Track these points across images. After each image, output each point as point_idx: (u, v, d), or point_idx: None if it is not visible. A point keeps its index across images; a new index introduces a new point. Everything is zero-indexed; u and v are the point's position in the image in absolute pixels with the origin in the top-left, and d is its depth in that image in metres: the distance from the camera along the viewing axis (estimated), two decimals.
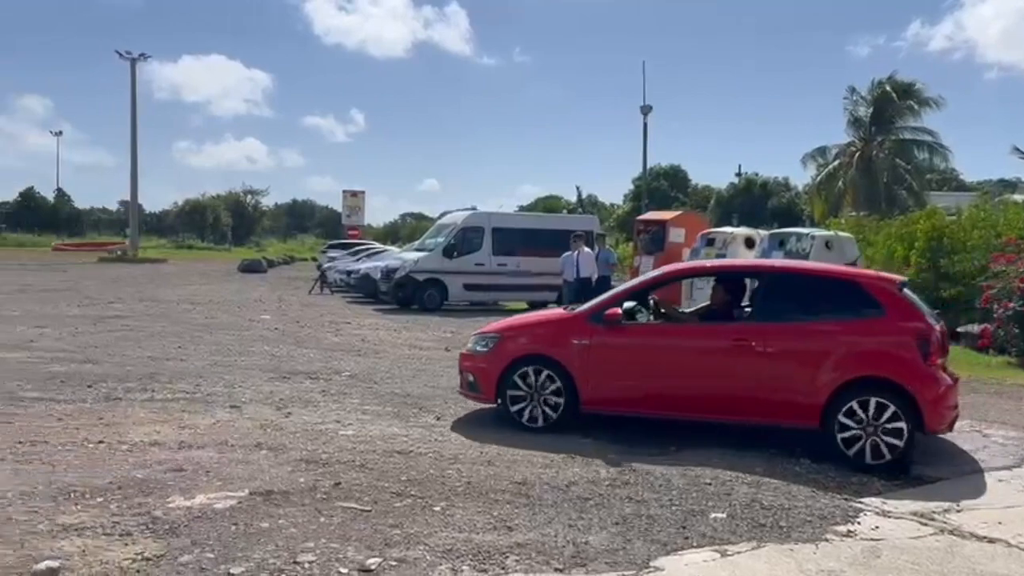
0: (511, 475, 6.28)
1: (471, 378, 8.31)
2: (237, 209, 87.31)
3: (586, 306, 8.17)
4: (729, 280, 8.54)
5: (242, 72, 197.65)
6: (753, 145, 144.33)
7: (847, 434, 6.93)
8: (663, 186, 63.93)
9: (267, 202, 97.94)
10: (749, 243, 20.09)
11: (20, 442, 6.69)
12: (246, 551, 4.57)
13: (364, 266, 25.70)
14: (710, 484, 6.23)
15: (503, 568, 4.50)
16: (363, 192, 67.45)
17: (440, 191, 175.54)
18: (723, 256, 18.87)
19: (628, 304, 8.11)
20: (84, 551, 4.49)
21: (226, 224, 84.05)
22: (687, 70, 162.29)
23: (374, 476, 6.12)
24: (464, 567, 4.49)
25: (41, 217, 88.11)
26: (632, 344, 7.86)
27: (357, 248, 36.94)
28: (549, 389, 7.79)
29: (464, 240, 22.05)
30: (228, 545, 4.65)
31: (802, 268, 9.09)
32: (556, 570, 4.51)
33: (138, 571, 4.27)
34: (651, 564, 4.67)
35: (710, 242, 20.53)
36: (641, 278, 8.75)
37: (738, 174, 62.49)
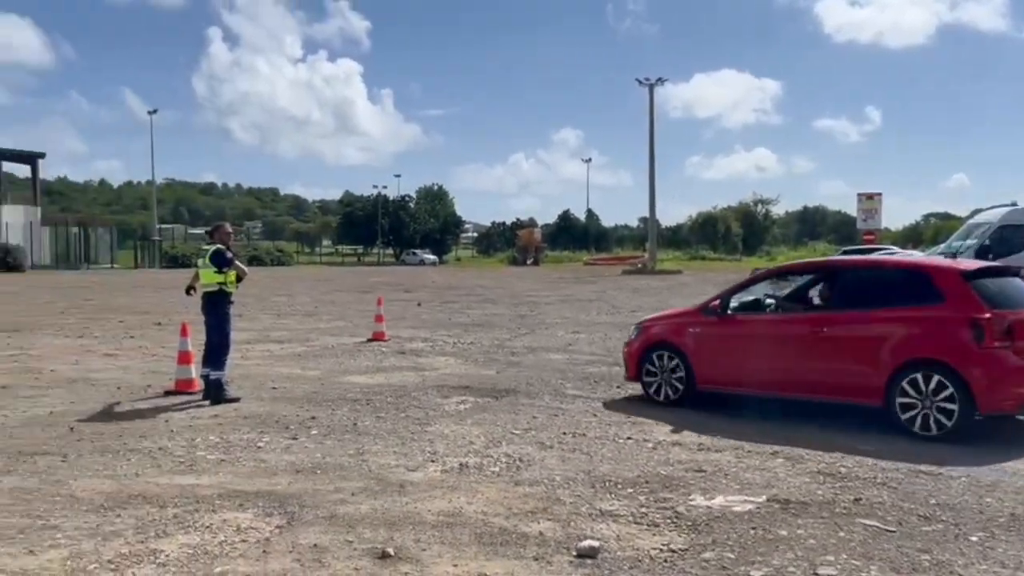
0: None
1: (624, 362, 9.73)
2: (747, 219, 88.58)
3: (703, 300, 9.52)
4: (826, 275, 9.24)
5: (752, 82, 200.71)
6: None
7: (904, 400, 7.52)
8: None
9: (777, 210, 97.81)
10: None
11: (565, 433, 7.69)
12: (765, 556, 4.64)
13: None
14: None
15: None
16: (879, 194, 63.21)
17: (970, 187, 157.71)
18: None
19: (747, 297, 9.25)
20: (618, 536, 4.98)
21: (736, 234, 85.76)
22: None
23: (898, 496, 5.75)
24: None
25: (575, 235, 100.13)
26: (729, 332, 8.96)
27: (874, 253, 34.90)
28: (673, 370, 9.03)
29: (1001, 240, 19.24)
30: (747, 548, 4.77)
31: (874, 261, 10.06)
32: None
33: (665, 560, 4.60)
34: None
35: None
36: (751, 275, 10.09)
37: None
